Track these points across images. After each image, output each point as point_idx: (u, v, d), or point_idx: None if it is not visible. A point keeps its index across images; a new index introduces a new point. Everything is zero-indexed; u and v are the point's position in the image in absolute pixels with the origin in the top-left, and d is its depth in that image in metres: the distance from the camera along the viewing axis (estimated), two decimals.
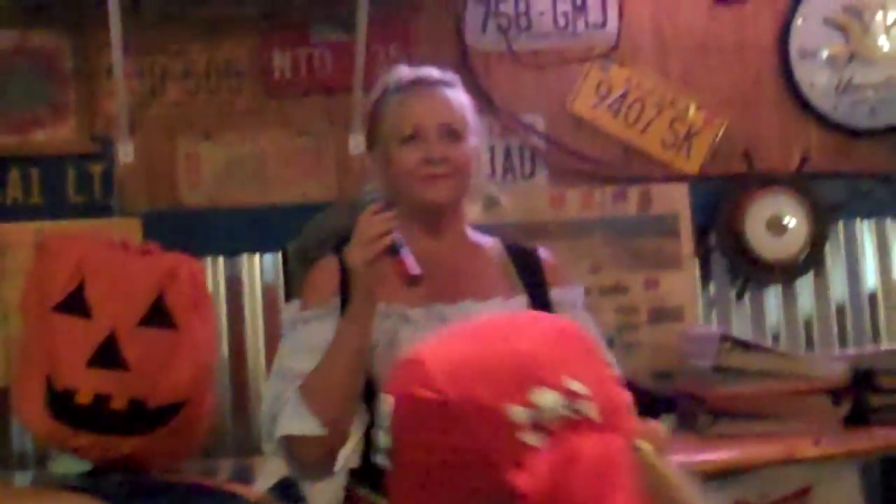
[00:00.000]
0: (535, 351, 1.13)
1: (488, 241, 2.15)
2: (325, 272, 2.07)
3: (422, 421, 1.09)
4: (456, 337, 1.20)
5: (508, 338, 1.16)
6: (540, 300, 2.09)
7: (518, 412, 1.05)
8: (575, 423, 1.06)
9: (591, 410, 1.08)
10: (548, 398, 1.06)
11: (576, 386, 1.08)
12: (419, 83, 2.10)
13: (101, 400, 2.60)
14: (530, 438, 1.05)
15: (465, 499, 1.08)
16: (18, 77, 2.91)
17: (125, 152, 2.92)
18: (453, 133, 2.04)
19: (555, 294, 2.08)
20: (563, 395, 1.06)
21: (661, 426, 1.25)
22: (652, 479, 1.16)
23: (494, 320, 1.31)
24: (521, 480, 1.03)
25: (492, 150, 3.04)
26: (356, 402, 2.01)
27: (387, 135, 2.06)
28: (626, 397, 1.16)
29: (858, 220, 3.22)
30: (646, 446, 1.17)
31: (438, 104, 2.10)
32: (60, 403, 2.61)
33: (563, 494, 1.05)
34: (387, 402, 1.14)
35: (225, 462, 2.91)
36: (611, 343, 2.60)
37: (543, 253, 2.16)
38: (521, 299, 2.08)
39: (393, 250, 1.85)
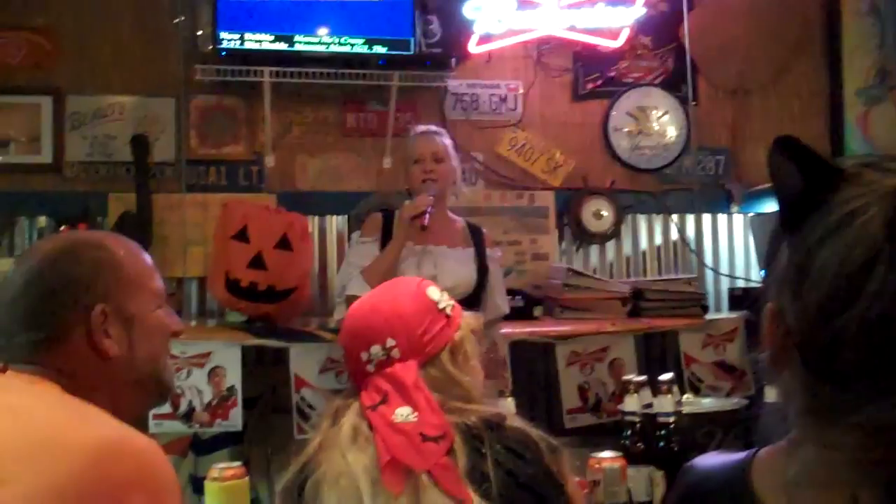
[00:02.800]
0: (376, 320, 1.81)
1: (458, 219, 3.47)
2: (374, 221, 3.40)
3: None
4: (356, 304, 1.91)
5: (375, 308, 1.84)
6: (480, 253, 3.36)
7: (363, 355, 1.80)
8: (387, 361, 1.79)
9: (396, 353, 1.79)
10: (376, 349, 1.79)
11: (390, 342, 1.79)
12: (424, 132, 3.49)
13: (253, 285, 3.80)
14: (369, 367, 1.80)
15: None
16: (217, 120, 4.37)
17: (269, 161, 4.36)
18: (439, 158, 3.33)
19: (488, 252, 3.38)
20: (381, 347, 1.79)
21: (473, 320, 1.93)
22: (440, 368, 1.83)
23: (377, 293, 1.94)
24: (363, 391, 1.79)
25: (462, 169, 4.02)
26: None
27: (408, 158, 3.44)
28: (431, 329, 1.82)
29: (638, 214, 4.75)
30: (445, 353, 1.83)
31: (432, 143, 3.36)
32: (232, 285, 3.81)
33: (375, 390, 1.78)
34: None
35: (314, 319, 4.06)
36: (508, 272, 4.20)
37: (485, 230, 3.48)
38: (471, 251, 3.35)
39: (422, 214, 3.16)
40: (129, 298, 1.48)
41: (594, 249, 4.78)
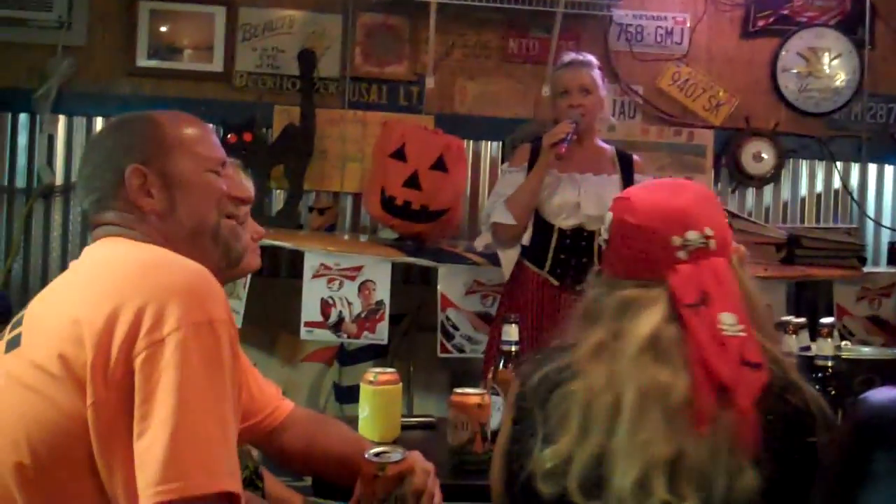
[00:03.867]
0: (689, 205, 1.53)
1: (608, 147, 3.47)
2: (523, 151, 3.41)
3: (624, 231, 1.55)
4: (649, 187, 1.62)
5: (677, 194, 1.56)
6: (627, 179, 3.34)
7: (676, 240, 1.51)
8: (704, 251, 1.50)
9: (713, 244, 1.51)
10: (693, 235, 1.51)
11: (708, 231, 1.51)
12: (571, 63, 3.39)
13: (407, 203, 3.88)
14: (680, 254, 1.51)
15: (637, 272, 1.53)
16: (381, 40, 4.41)
17: (430, 83, 4.38)
18: (587, 90, 3.32)
19: (637, 177, 3.33)
20: (700, 234, 1.51)
21: (742, 248, 1.60)
22: (739, 278, 1.54)
23: (669, 182, 1.69)
24: (671, 276, 1.50)
25: (615, 102, 4.48)
26: (531, 212, 3.23)
27: (555, 89, 3.39)
28: (730, 233, 1.56)
29: (801, 159, 4.65)
30: (735, 260, 1.55)
31: (579, 75, 3.34)
32: (387, 203, 3.91)
33: (694, 285, 1.48)
34: (608, 216, 1.60)
35: (462, 242, 4.12)
36: None
37: (635, 156, 3.48)
38: (616, 177, 3.33)
39: (561, 141, 3.15)
40: (171, 160, 1.56)
41: (751, 192, 4.70)
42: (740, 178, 4.61)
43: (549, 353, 1.58)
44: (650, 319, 1.46)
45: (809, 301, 4.15)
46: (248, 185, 1.92)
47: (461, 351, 3.71)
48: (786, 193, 4.71)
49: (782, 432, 1.41)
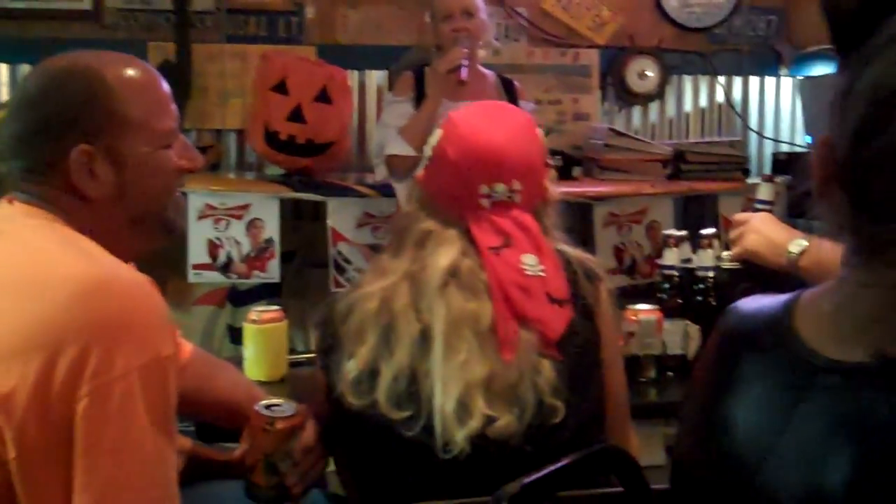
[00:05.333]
0: (506, 147, 1.58)
1: (489, 73, 3.48)
2: (406, 79, 3.41)
3: (442, 160, 1.63)
4: (475, 116, 1.64)
5: (498, 128, 1.60)
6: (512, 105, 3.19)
7: (483, 188, 1.59)
8: (508, 204, 1.60)
9: (518, 198, 1.60)
10: (500, 188, 1.60)
11: (516, 185, 1.59)
12: None
13: (292, 138, 3.79)
14: (484, 202, 1.60)
15: (442, 206, 1.62)
16: None
17: (310, 12, 4.29)
18: (469, 13, 3.29)
19: (521, 104, 3.27)
20: (507, 189, 1.59)
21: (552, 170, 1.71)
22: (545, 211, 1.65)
23: (495, 111, 1.70)
24: (472, 220, 1.59)
25: (499, 25, 4.39)
26: (426, 139, 3.56)
27: (436, 14, 3.34)
28: (544, 172, 1.65)
29: (684, 75, 4.68)
30: (544, 211, 1.65)
31: None
32: (271, 138, 3.81)
33: (495, 231, 1.58)
34: (436, 132, 1.67)
35: (352, 174, 4.11)
36: (549, 131, 3.72)
37: (516, 82, 3.49)
38: (504, 103, 3.49)
39: (458, 68, 3.17)
40: (124, 138, 1.39)
41: (637, 110, 4.72)
42: (626, 97, 4.63)
43: (361, 281, 1.69)
44: (447, 254, 1.57)
45: (696, 214, 4.17)
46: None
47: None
48: (671, 110, 4.74)
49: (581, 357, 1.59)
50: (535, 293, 1.55)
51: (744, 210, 2.38)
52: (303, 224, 3.98)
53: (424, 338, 1.53)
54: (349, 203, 3.67)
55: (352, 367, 1.58)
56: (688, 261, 2.47)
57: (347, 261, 3.63)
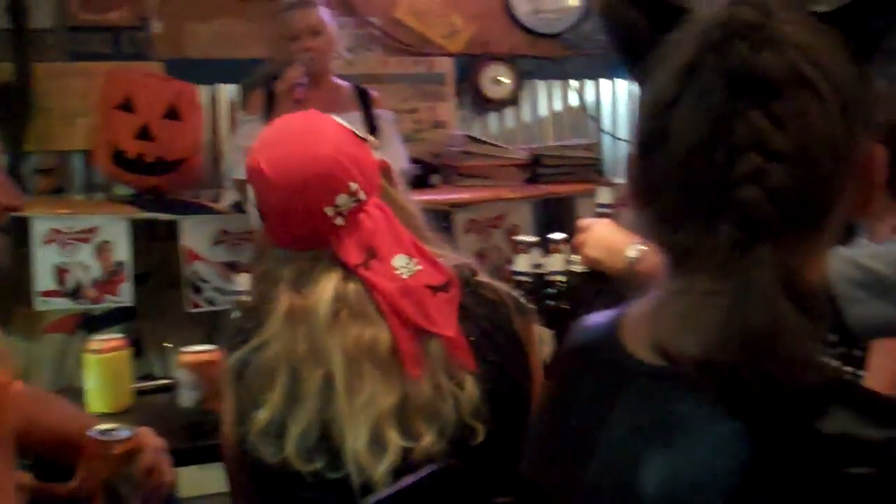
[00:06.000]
0: (329, 160, 1.47)
1: (345, 84, 3.46)
2: (257, 97, 3.37)
3: (274, 210, 1.52)
4: (281, 151, 1.50)
5: (313, 146, 1.49)
6: (368, 115, 3.37)
7: (329, 210, 1.47)
8: (357, 207, 1.48)
9: (362, 195, 1.49)
10: (343, 199, 1.48)
11: (353, 186, 1.48)
12: (296, 4, 3.36)
13: (140, 156, 3.78)
14: (338, 221, 1.48)
15: (303, 246, 1.51)
16: None
17: (157, 27, 4.15)
18: (316, 31, 3.27)
19: (376, 112, 3.39)
20: (349, 195, 1.48)
21: (385, 162, 1.57)
22: (392, 199, 1.54)
23: (300, 131, 1.55)
24: (334, 242, 1.48)
25: (352, 35, 4.27)
26: None
27: (283, 32, 3.37)
28: (370, 161, 1.52)
29: (538, 80, 4.70)
30: (385, 183, 1.54)
31: (306, 16, 3.29)
32: (118, 158, 3.78)
33: (356, 245, 1.47)
34: (251, 190, 1.59)
35: (206, 192, 3.97)
36: (408, 139, 4.06)
37: (372, 91, 3.48)
38: (357, 114, 3.28)
39: (296, 86, 3.13)
40: None
41: (494, 117, 4.75)
42: (482, 104, 4.65)
43: (243, 326, 1.57)
44: (329, 284, 1.47)
45: (555, 218, 4.22)
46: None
47: (213, 304, 3.62)
48: (527, 115, 4.78)
49: (487, 328, 1.50)
50: (419, 293, 1.46)
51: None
52: (157, 244, 3.88)
53: (328, 383, 1.45)
54: (203, 221, 3.61)
55: (261, 421, 1.48)
56: (539, 266, 2.49)
57: (204, 280, 3.55)
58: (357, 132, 1.58)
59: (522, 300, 1.61)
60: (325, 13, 3.34)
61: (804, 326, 0.78)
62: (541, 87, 4.81)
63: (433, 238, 1.59)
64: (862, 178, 0.85)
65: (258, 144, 1.56)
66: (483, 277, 1.57)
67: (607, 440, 0.90)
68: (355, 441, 1.41)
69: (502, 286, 1.59)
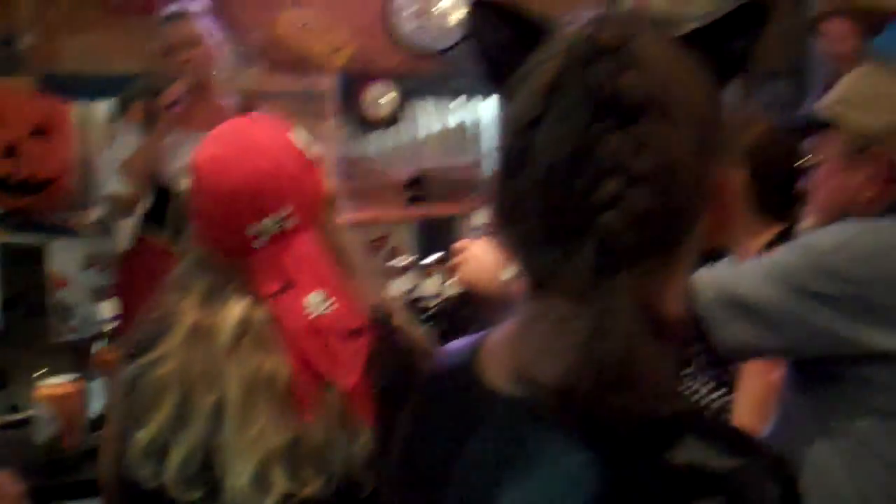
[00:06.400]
0: (264, 175, 1.40)
1: (230, 101, 3.43)
2: (135, 111, 3.32)
3: (199, 211, 1.47)
4: (219, 155, 1.45)
5: (250, 158, 1.42)
6: None
7: (251, 229, 1.41)
8: (283, 233, 1.41)
9: (291, 223, 1.42)
10: (268, 222, 1.41)
11: (285, 210, 1.40)
12: (174, 16, 3.34)
13: (6, 176, 3.66)
14: (258, 242, 1.42)
15: (219, 258, 1.46)
16: None
17: (27, 41, 3.96)
18: (194, 43, 3.24)
19: None
20: (277, 219, 1.41)
21: (334, 193, 1.51)
22: (330, 235, 1.47)
23: (245, 139, 1.47)
24: (251, 264, 1.42)
25: (231, 51, 3.94)
26: (148, 178, 3.18)
27: (162, 45, 3.34)
28: (318, 189, 1.46)
29: (422, 98, 4.64)
30: (327, 216, 1.47)
31: (184, 28, 3.27)
32: None
33: (275, 272, 1.41)
34: (184, 183, 1.52)
35: (77, 213, 3.82)
36: None
37: (258, 110, 3.33)
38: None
39: (174, 103, 3.16)
40: None
41: (376, 136, 4.71)
42: (364, 123, 4.62)
43: (145, 336, 1.50)
44: (237, 307, 1.41)
45: (437, 239, 4.22)
46: None
47: (80, 333, 3.50)
48: (410, 134, 4.76)
49: (394, 377, 1.41)
50: (327, 335, 1.40)
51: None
52: (24, 269, 3.72)
53: (219, 410, 1.38)
54: (71, 244, 3.51)
55: (142, 441, 1.42)
56: (414, 289, 2.47)
57: (72, 306, 3.42)
58: (312, 153, 1.50)
59: (428, 344, 1.54)
60: (204, 25, 3.28)
61: (660, 355, 0.77)
62: (423, 106, 4.80)
63: (368, 276, 1.53)
64: (718, 203, 0.85)
65: (212, 135, 1.50)
66: (401, 319, 1.52)
67: (465, 470, 0.89)
68: (239, 476, 1.35)
69: (417, 330, 1.54)
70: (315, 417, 1.37)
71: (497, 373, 0.89)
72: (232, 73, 4.01)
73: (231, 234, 1.43)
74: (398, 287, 2.48)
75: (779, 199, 2.24)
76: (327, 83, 4.54)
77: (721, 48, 0.84)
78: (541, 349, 0.81)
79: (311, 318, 1.38)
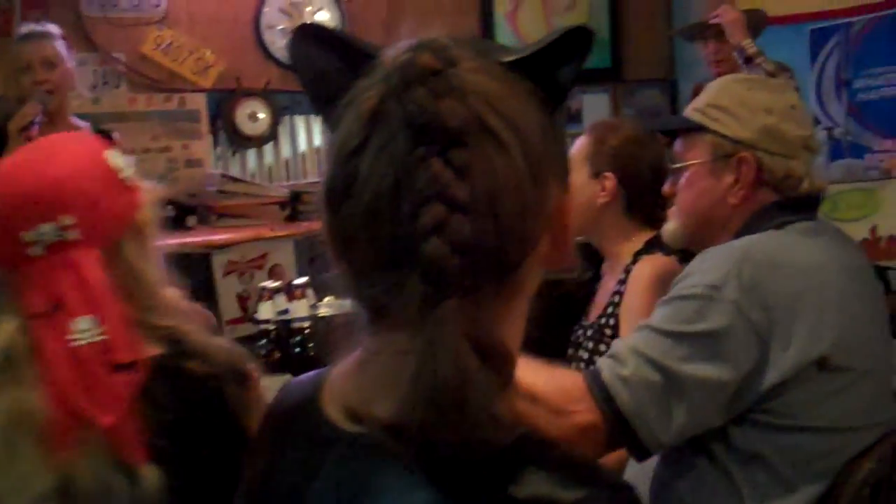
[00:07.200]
0: (56, 181, 1.32)
1: (83, 125, 3.36)
2: None
3: None
4: (19, 157, 1.38)
5: (49, 163, 1.35)
6: None
7: (26, 235, 1.30)
8: (62, 244, 1.31)
9: (74, 235, 1.31)
10: (46, 228, 1.30)
11: (68, 220, 1.31)
12: (30, 35, 3.22)
13: None
14: (33, 250, 1.31)
15: None
16: None
17: None
18: (51, 64, 3.15)
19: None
20: (56, 226, 1.31)
21: (144, 217, 1.40)
22: (124, 258, 1.37)
23: (48, 145, 1.43)
24: (21, 278, 1.32)
25: (95, 72, 4.24)
26: None
27: (16, 65, 3.21)
28: (128, 218, 1.38)
29: (296, 115, 4.66)
30: (126, 243, 1.37)
31: (41, 48, 3.17)
32: None
33: (45, 290, 1.31)
34: None
35: None
36: (161, 180, 3.88)
37: (115, 134, 3.39)
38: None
39: (31, 124, 3.00)
40: None
41: (252, 153, 4.67)
42: (238, 140, 4.56)
43: None
44: (4, 330, 1.28)
45: (319, 256, 4.16)
46: None
47: None
48: (286, 151, 4.73)
49: (186, 409, 1.31)
50: (90, 366, 1.26)
51: None
52: None
53: None
54: None
55: None
56: (284, 312, 2.42)
57: None
58: (127, 177, 1.41)
59: (243, 364, 1.42)
60: (61, 45, 3.19)
61: (494, 384, 0.75)
62: (299, 122, 4.76)
63: (162, 305, 1.40)
64: (554, 229, 0.84)
65: (26, 146, 1.43)
66: (202, 343, 1.39)
67: None
68: None
69: (222, 354, 1.40)
70: (81, 458, 1.24)
71: (338, 409, 0.86)
72: (93, 95, 4.01)
73: (4, 238, 1.33)
74: (267, 310, 2.42)
75: (647, 204, 2.27)
76: (199, 101, 4.47)
77: (547, 75, 0.84)
78: (376, 384, 0.80)
79: (74, 345, 1.27)
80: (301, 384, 0.97)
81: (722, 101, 1.77)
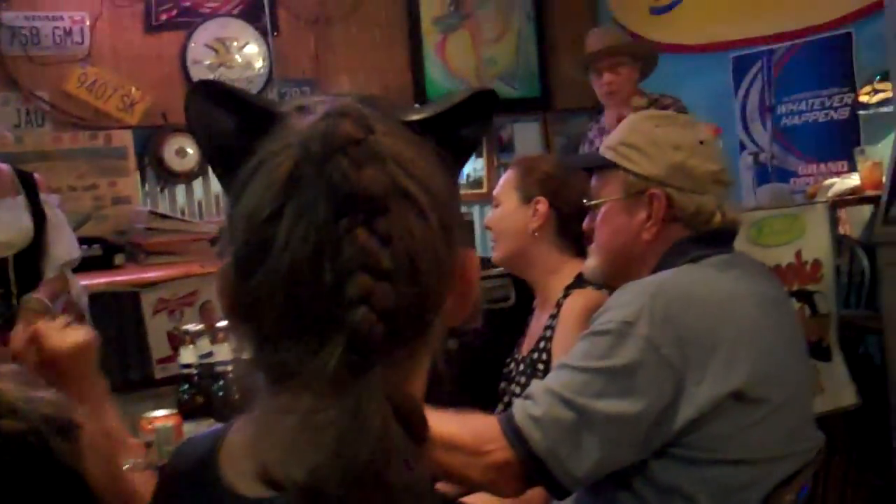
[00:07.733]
0: None
1: (5, 167, 3.26)
2: None
3: None
4: None
5: None
6: (33, 200, 3.22)
7: None
8: None
9: None
10: None
11: None
12: None
13: None
14: None
15: None
16: None
17: None
18: None
19: (42, 197, 3.23)
20: None
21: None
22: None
23: None
24: None
25: (18, 111, 4.22)
26: None
27: None
28: None
29: None
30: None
31: None
32: None
33: None
34: None
35: None
36: (87, 218, 4.04)
37: (36, 175, 3.31)
38: (21, 199, 3.19)
39: None
40: None
41: (181, 189, 4.63)
42: (167, 176, 4.53)
43: None
44: None
45: None
46: None
47: None
48: (216, 186, 4.66)
49: (8, 470, 1.25)
50: None
51: None
52: None
53: None
54: None
55: None
56: (208, 355, 2.37)
57: None
58: None
59: (68, 413, 1.33)
60: None
61: (413, 452, 0.74)
62: None
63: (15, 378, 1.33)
64: (460, 285, 0.84)
65: None
66: (10, 402, 1.28)
67: None
68: None
69: (40, 407, 1.30)
70: None
71: (239, 473, 0.83)
72: (13, 135, 3.95)
73: None
74: (189, 354, 2.38)
75: (578, 230, 2.26)
76: (125, 138, 4.43)
77: (451, 134, 0.84)
78: (285, 447, 0.76)
79: None
80: (197, 445, 0.94)
81: (632, 138, 1.79)
